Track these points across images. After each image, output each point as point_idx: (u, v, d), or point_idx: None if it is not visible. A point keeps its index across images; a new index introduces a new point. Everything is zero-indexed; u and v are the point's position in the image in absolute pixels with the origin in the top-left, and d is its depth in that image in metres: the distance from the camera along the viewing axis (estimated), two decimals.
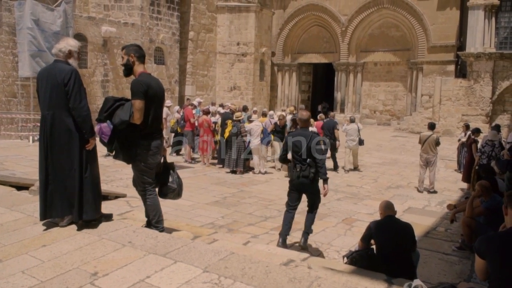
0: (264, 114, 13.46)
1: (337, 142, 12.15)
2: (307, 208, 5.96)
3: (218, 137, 12.27)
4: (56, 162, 3.88)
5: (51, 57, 14.30)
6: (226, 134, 11.39)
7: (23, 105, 14.64)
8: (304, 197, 5.92)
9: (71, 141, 3.87)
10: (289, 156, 5.89)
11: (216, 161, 12.50)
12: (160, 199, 4.41)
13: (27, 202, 4.78)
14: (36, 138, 14.60)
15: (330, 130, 12.19)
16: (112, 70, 17.56)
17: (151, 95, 4.04)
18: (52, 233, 3.82)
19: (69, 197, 3.89)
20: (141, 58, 4.20)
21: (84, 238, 3.74)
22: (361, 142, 12.37)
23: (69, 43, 4.04)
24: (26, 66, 14.03)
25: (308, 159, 5.52)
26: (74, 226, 3.97)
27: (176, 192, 4.42)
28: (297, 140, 5.62)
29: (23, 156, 11.82)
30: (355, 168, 12.56)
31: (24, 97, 14.64)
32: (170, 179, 4.37)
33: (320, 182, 5.66)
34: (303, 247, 5.65)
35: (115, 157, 4.20)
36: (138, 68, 4.16)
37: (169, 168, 4.43)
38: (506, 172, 7.94)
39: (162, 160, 4.39)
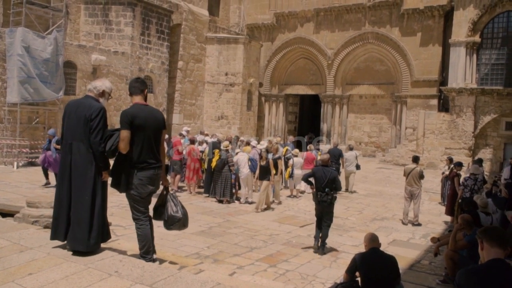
0: (248, 143, 13.57)
1: (340, 167, 13.84)
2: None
3: (205, 166, 12.30)
4: (73, 190, 4.06)
5: (40, 84, 14.40)
6: (213, 164, 11.43)
7: (9, 130, 14.55)
8: None
9: (88, 171, 4.07)
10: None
11: (202, 190, 12.48)
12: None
13: (13, 229, 4.74)
14: (20, 164, 14.47)
15: (336, 157, 13.65)
16: None
17: (138, 124, 4.17)
18: (38, 262, 3.80)
19: (79, 224, 4.02)
20: (133, 90, 4.40)
21: (70, 267, 3.72)
22: (358, 167, 14.28)
23: (105, 84, 4.36)
24: (15, 92, 14.03)
25: (327, 189, 7.47)
26: (61, 255, 3.95)
27: (181, 222, 4.44)
28: (319, 175, 7.63)
29: (7, 182, 11.68)
30: (352, 191, 14.28)
31: (11, 122, 14.56)
32: (174, 209, 4.41)
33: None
34: (320, 253, 7.38)
35: (112, 185, 4.33)
36: (133, 100, 4.40)
37: (172, 198, 4.48)
38: (504, 209, 7.97)
39: (164, 191, 4.48)
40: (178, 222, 4.41)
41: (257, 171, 11.21)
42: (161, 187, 4.60)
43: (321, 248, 7.45)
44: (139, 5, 18.91)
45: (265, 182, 10.82)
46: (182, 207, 4.51)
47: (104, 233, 4.23)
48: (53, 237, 4.15)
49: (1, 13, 15.43)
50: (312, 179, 7.91)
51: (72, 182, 4.07)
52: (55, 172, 11.02)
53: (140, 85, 4.42)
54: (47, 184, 11.45)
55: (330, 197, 7.48)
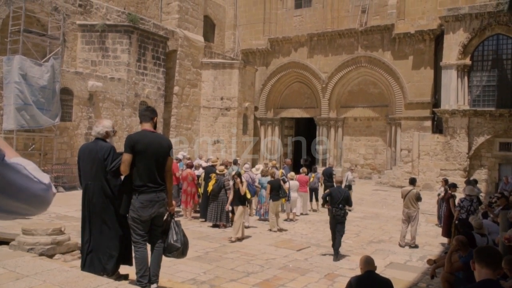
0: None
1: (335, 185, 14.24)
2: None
3: (201, 191, 12.30)
4: (97, 225, 4.45)
5: (36, 111, 14.49)
6: (210, 188, 11.42)
7: None
8: None
9: (108, 206, 4.46)
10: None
11: (198, 214, 12.45)
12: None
13: (8, 257, 4.73)
14: None
15: (328, 176, 15.21)
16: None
17: (139, 149, 4.35)
18: None
19: (106, 255, 4.42)
20: (143, 118, 4.68)
21: None
22: (349, 187, 15.08)
23: (105, 125, 4.75)
24: (11, 119, 14.09)
25: (340, 205, 8.77)
26: (57, 282, 3.94)
27: (180, 251, 4.59)
28: (335, 194, 8.92)
29: None
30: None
31: None
32: (175, 238, 4.52)
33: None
34: (335, 259, 8.62)
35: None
36: (142, 127, 4.68)
37: (174, 225, 4.62)
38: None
39: (169, 218, 4.63)
40: (176, 251, 4.53)
41: (231, 196, 10.37)
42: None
43: (335, 255, 8.68)
44: (135, 32, 19.21)
45: (240, 208, 10.03)
46: (184, 235, 4.63)
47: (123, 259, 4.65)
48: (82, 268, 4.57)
49: None
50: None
51: (94, 217, 4.47)
52: None
53: (150, 113, 4.68)
54: None
55: (343, 212, 8.86)
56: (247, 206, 10.42)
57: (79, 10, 18.61)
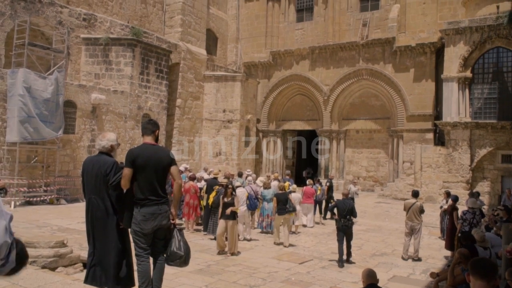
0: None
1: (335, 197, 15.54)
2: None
3: (203, 203, 12.28)
4: (100, 239, 4.44)
5: (39, 123, 14.58)
6: (211, 200, 11.38)
7: (8, 169, 14.59)
8: None
9: (109, 221, 4.44)
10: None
11: (201, 227, 12.42)
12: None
13: None
14: (18, 204, 14.44)
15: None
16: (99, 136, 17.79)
17: (140, 163, 4.39)
18: None
19: (108, 269, 4.38)
20: (145, 131, 4.71)
21: None
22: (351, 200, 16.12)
23: (110, 139, 4.71)
24: (14, 132, 14.17)
25: (347, 216, 9.51)
26: None
27: (182, 260, 4.57)
28: (341, 206, 9.66)
29: None
30: None
31: (10, 162, 14.62)
32: (177, 245, 4.52)
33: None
34: (349, 261, 9.49)
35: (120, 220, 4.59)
36: (144, 139, 4.70)
37: (177, 234, 4.62)
38: None
39: (172, 227, 4.64)
40: (179, 260, 4.51)
41: (220, 209, 10.04)
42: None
43: (348, 260, 9.49)
44: (138, 45, 19.38)
45: (230, 223, 9.69)
46: (185, 243, 4.60)
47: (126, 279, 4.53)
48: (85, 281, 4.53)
49: (3, 55, 15.78)
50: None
51: (97, 231, 4.46)
52: None
53: (152, 127, 4.71)
54: None
55: (350, 222, 9.61)
56: (236, 219, 10.07)
57: (83, 24, 18.81)
